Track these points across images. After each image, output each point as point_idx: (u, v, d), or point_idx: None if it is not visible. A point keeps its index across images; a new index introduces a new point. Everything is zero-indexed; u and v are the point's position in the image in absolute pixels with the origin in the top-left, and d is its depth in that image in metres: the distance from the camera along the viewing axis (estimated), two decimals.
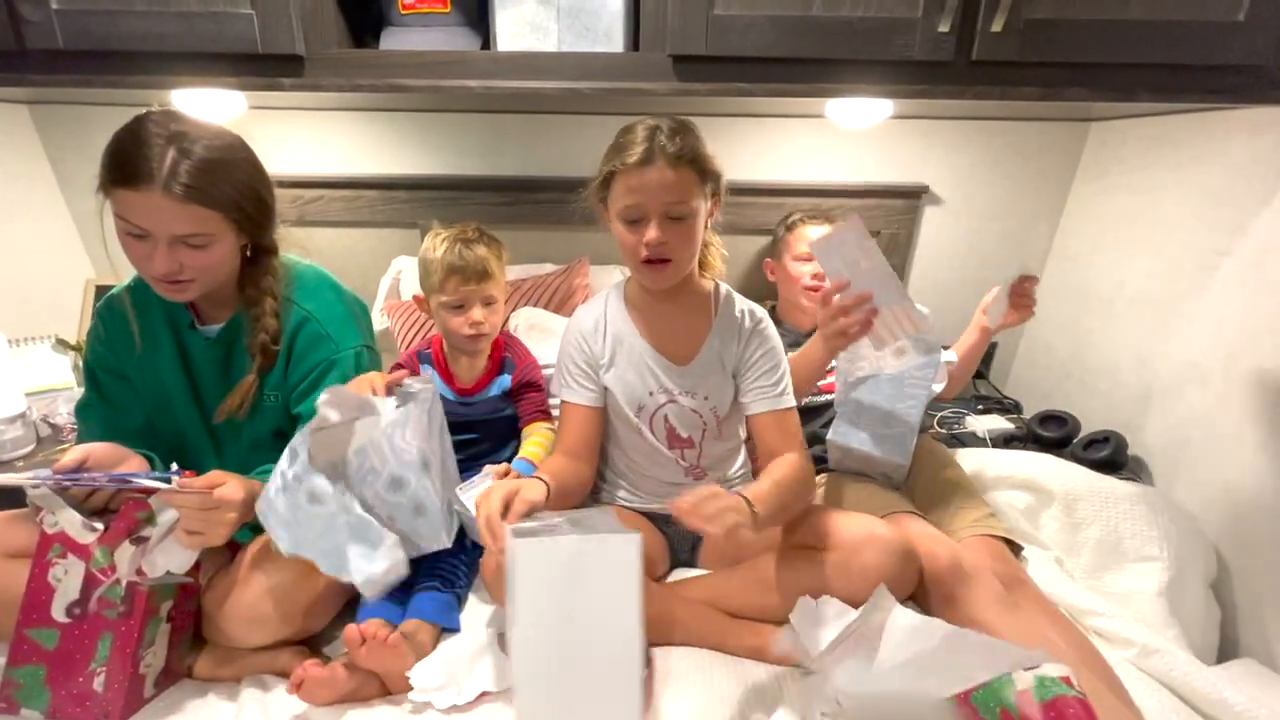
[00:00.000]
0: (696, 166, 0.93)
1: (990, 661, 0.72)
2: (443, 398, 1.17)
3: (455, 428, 1.19)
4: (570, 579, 0.70)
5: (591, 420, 1.07)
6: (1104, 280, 1.56)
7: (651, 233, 0.93)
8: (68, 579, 0.84)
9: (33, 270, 1.68)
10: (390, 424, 0.90)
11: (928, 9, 1.01)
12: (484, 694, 0.86)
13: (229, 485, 0.86)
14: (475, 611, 1.03)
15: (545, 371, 1.29)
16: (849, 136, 1.66)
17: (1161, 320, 1.38)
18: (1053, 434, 1.48)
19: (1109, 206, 1.57)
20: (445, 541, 0.93)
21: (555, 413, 1.21)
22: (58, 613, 0.83)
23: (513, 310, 1.54)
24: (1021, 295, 1.20)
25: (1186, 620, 1.08)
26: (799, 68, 1.06)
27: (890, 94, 1.09)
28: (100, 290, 1.79)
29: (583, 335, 1.07)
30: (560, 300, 1.55)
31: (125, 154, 0.84)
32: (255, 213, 0.94)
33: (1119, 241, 1.53)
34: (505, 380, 1.24)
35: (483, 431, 1.23)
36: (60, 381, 1.60)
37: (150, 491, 0.83)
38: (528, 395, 1.25)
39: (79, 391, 1.58)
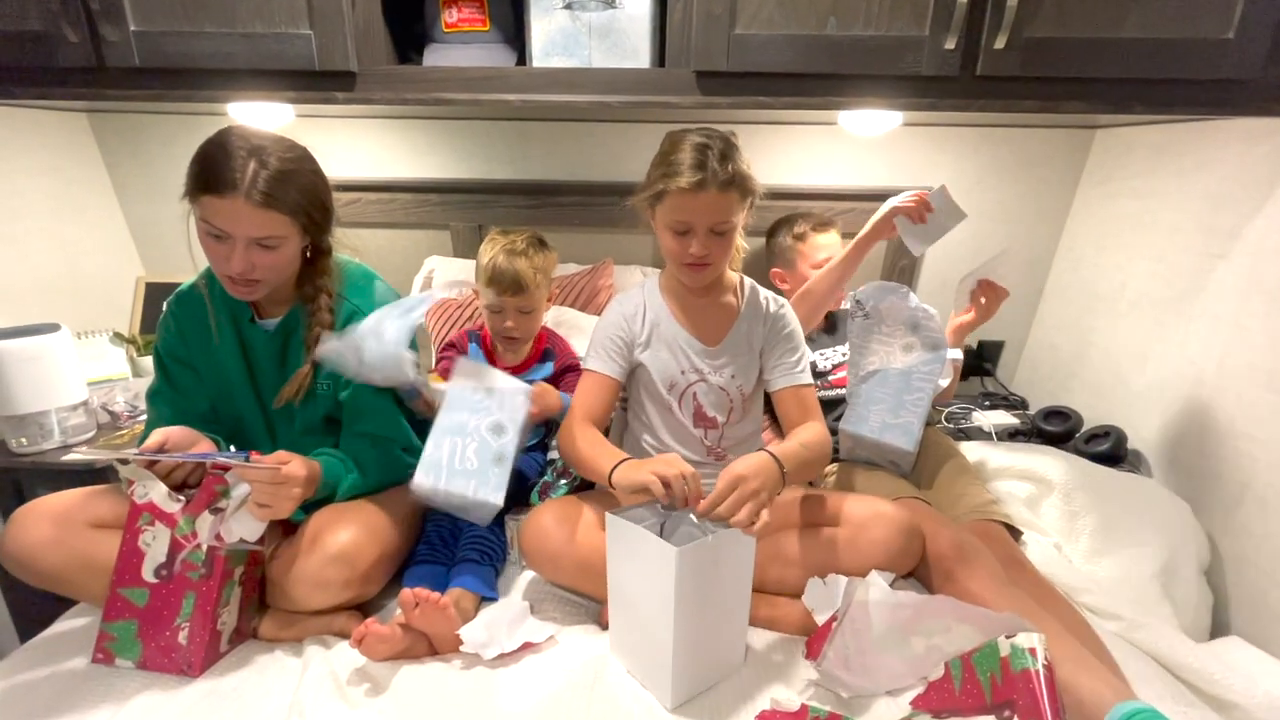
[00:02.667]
0: (741, 188, 1.02)
1: (964, 620, 0.80)
2: None
3: None
4: (713, 562, 0.86)
5: (612, 391, 1.15)
6: (1107, 282, 1.62)
7: (696, 247, 1.03)
8: (155, 544, 0.93)
9: (90, 268, 1.80)
10: (525, 391, 1.10)
11: (934, 28, 1.08)
12: (526, 645, 0.96)
13: (294, 464, 0.95)
14: (509, 583, 1.13)
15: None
16: (861, 143, 1.74)
17: (1161, 320, 1.44)
18: (1056, 429, 1.54)
19: (1113, 210, 1.63)
20: (499, 500, 1.04)
21: None
22: (147, 574, 0.93)
23: None
24: (975, 299, 1.37)
25: (1179, 603, 1.14)
26: (814, 82, 1.14)
27: (899, 107, 1.16)
28: (150, 287, 1.90)
29: (624, 316, 1.16)
30: (586, 299, 1.64)
31: (213, 166, 0.94)
32: (319, 217, 1.04)
33: (1122, 244, 1.59)
34: (548, 368, 1.34)
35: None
36: (117, 373, 1.70)
37: (227, 468, 0.93)
38: (568, 378, 1.34)
39: (134, 382, 1.69)
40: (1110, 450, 1.41)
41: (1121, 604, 1.03)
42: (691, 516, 0.92)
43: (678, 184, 0.99)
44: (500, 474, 1.05)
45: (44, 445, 1.45)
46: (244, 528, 0.94)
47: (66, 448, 1.47)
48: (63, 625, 1.03)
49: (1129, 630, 0.99)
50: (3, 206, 1.55)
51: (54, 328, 1.46)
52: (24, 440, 1.44)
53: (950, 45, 1.08)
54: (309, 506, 1.05)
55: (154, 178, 1.83)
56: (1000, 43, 1.07)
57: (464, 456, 1.04)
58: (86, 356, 1.64)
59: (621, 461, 0.97)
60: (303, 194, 0.99)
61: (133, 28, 1.13)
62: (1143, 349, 1.49)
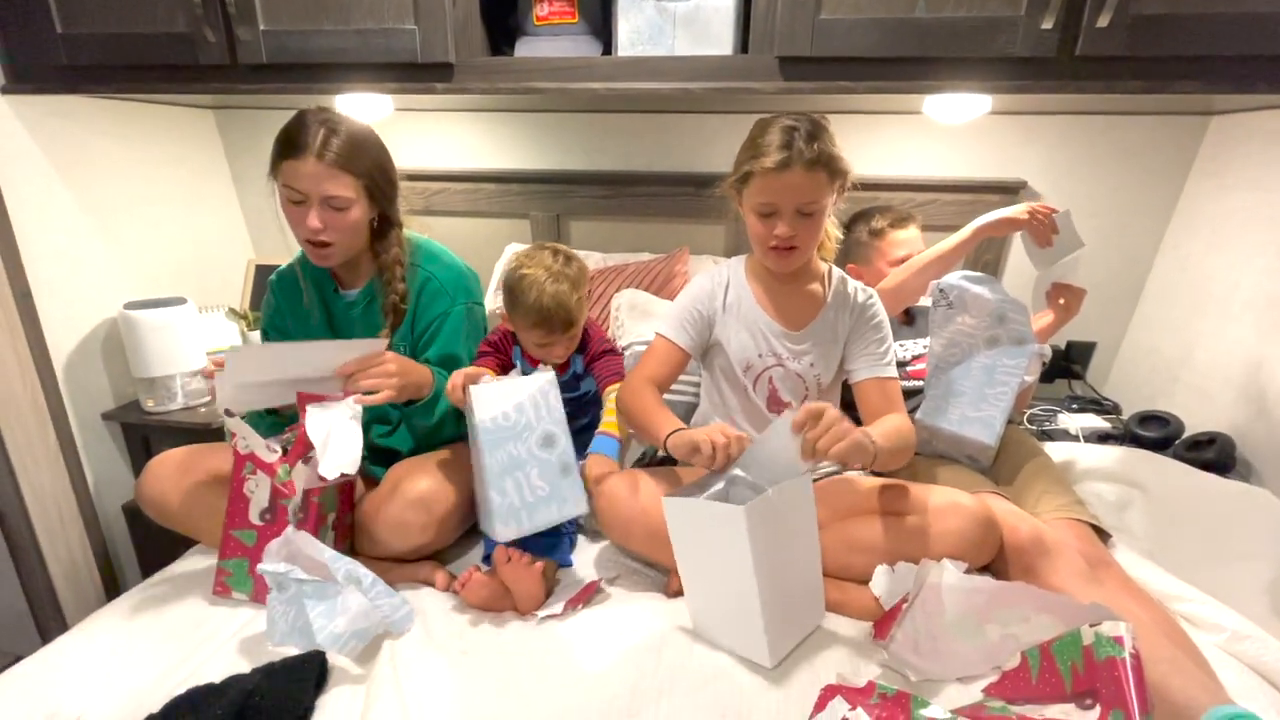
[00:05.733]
0: (829, 168, 1.01)
1: (1044, 609, 0.77)
2: None
3: None
4: (778, 515, 0.87)
5: (679, 361, 1.16)
6: (1218, 281, 1.51)
7: (782, 229, 1.03)
8: (259, 491, 1.03)
9: (211, 251, 1.99)
10: (547, 382, 1.05)
11: (1031, 7, 1.04)
12: (570, 602, 1.01)
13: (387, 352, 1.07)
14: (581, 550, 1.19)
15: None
16: (946, 132, 1.68)
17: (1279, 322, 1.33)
18: (1153, 434, 1.44)
19: (1227, 204, 1.52)
20: (584, 509, 1.05)
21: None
22: (254, 517, 1.03)
23: (616, 291, 1.66)
24: (1053, 301, 1.34)
25: None
26: (901, 66, 1.12)
27: (990, 90, 1.13)
28: (260, 268, 2.08)
29: (707, 292, 1.17)
30: (660, 284, 1.67)
31: (291, 135, 1.08)
32: (384, 184, 1.15)
33: (1236, 241, 1.48)
34: (580, 359, 1.31)
35: (571, 407, 1.32)
36: (230, 345, 1.87)
37: (321, 397, 1.02)
38: (604, 359, 1.30)
39: None
40: (1216, 458, 1.32)
41: (1221, 612, 0.96)
42: (739, 473, 0.94)
43: (763, 164, 1.00)
44: (573, 483, 1.03)
45: (169, 406, 1.62)
46: (340, 458, 0.99)
47: (188, 409, 1.64)
48: (183, 564, 1.16)
49: (1231, 642, 0.92)
50: (141, 193, 1.74)
51: (181, 301, 1.63)
52: (152, 401, 1.61)
53: (1048, 25, 1.04)
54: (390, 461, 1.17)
55: (267, 168, 1.99)
56: (1104, 21, 1.02)
57: (532, 487, 1.01)
58: (207, 329, 1.82)
59: (678, 429, 1.01)
60: (368, 158, 1.11)
61: (262, 27, 1.24)
62: (1257, 353, 1.38)
